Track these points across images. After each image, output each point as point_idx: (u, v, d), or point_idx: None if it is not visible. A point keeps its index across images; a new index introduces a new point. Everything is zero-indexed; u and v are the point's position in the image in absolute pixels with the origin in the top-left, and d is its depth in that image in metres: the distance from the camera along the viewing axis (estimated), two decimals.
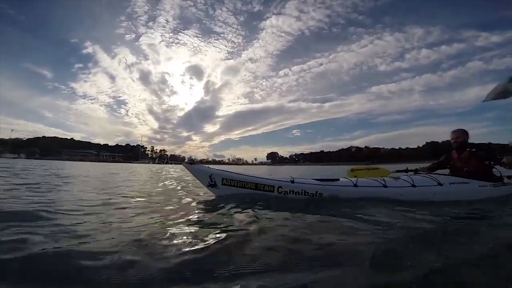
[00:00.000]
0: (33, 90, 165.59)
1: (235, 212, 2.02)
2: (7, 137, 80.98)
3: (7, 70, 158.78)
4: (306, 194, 2.53)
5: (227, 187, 2.67)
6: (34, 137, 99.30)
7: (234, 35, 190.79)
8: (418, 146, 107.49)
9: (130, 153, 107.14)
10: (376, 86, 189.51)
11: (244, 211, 2.04)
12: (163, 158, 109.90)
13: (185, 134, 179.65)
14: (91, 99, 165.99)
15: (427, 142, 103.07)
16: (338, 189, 2.65)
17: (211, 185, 2.73)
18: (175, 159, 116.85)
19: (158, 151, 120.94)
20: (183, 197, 2.92)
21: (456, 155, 3.20)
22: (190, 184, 4.48)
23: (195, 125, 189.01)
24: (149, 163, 73.46)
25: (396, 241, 1.35)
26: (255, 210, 2.07)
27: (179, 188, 3.96)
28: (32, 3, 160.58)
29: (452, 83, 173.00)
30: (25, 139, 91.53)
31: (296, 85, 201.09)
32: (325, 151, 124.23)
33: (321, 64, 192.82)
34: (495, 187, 2.91)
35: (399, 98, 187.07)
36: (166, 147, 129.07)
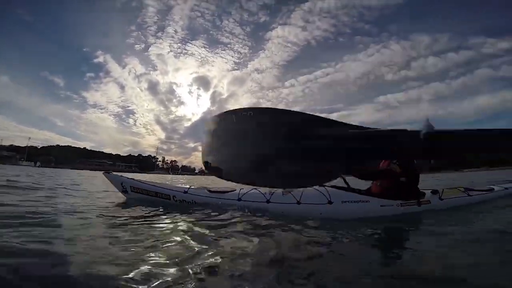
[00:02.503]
0: (46, 98, 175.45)
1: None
2: (21, 145, 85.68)
3: (25, 76, 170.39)
4: (195, 203, 2.89)
5: (135, 194, 3.13)
6: (49, 146, 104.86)
7: (241, 45, 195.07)
8: None
9: (142, 163, 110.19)
10: (383, 96, 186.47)
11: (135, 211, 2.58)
12: (175, 169, 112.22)
13: (191, 145, 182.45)
14: (101, 109, 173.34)
15: None
16: (222, 201, 2.86)
17: (123, 191, 3.20)
18: (186, 170, 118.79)
19: (168, 162, 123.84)
20: None
21: (383, 164, 2.99)
22: None
23: (201, 135, 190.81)
24: (169, 173, 75.95)
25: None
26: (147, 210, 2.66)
27: None
28: (47, 10, 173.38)
29: (461, 91, 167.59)
30: (39, 147, 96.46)
31: (303, 95, 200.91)
32: None
33: (327, 74, 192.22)
34: (402, 207, 2.68)
35: (407, 108, 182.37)
36: (172, 158, 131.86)
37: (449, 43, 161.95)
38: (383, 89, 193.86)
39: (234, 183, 3.09)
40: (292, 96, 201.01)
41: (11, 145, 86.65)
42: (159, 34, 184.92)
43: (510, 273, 1.18)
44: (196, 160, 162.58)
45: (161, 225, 2.06)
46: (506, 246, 1.64)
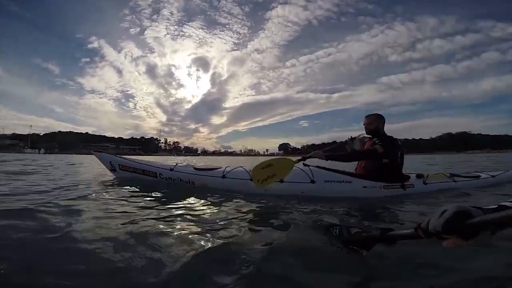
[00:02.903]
0: (42, 86, 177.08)
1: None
2: (23, 133, 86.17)
3: (16, 66, 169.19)
4: (181, 181, 2.88)
5: (123, 172, 3.13)
6: (51, 132, 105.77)
7: (240, 26, 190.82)
8: (431, 137, 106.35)
9: (145, 145, 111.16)
10: (387, 77, 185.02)
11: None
12: (178, 150, 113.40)
13: (193, 126, 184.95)
14: (100, 94, 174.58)
15: (443, 133, 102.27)
16: (207, 179, 2.83)
17: (112, 169, 3.21)
18: (189, 151, 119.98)
19: (171, 143, 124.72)
20: None
21: (367, 145, 2.86)
22: None
23: (202, 117, 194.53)
24: (173, 155, 77.17)
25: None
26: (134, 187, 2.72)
27: None
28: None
29: (466, 74, 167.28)
30: (42, 134, 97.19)
31: (304, 75, 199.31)
32: (337, 141, 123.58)
33: (329, 54, 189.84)
34: (384, 189, 2.63)
35: (411, 89, 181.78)
36: (175, 139, 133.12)
37: (456, 25, 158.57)
38: (386, 70, 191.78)
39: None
40: (293, 76, 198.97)
41: (13, 134, 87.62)
42: (154, 17, 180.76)
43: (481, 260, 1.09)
44: (198, 141, 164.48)
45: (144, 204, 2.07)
46: None
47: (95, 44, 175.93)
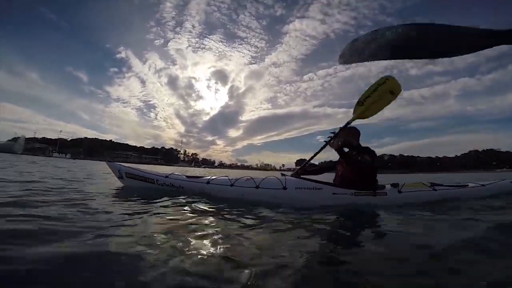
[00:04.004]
0: (71, 93, 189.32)
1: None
2: (51, 137, 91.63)
3: (51, 73, 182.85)
4: (173, 186, 3.31)
5: (129, 179, 3.59)
6: (77, 138, 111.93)
7: (257, 39, 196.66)
8: (456, 155, 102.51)
9: (166, 156, 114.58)
10: (407, 91, 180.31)
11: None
12: (197, 161, 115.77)
13: (209, 138, 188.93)
14: (124, 103, 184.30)
15: (469, 151, 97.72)
16: (194, 185, 3.23)
17: (120, 177, 3.68)
18: (207, 163, 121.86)
19: (190, 155, 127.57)
20: None
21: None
22: None
23: (219, 129, 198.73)
24: (192, 166, 79.64)
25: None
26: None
27: None
28: (70, 9, 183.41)
29: (492, 87, 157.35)
30: (69, 139, 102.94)
31: (322, 89, 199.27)
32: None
33: (348, 68, 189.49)
34: (355, 196, 2.78)
35: (433, 104, 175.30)
36: (192, 151, 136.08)
37: None
38: (406, 84, 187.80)
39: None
40: (311, 90, 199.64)
41: (43, 138, 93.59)
42: (177, 29, 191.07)
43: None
44: (213, 153, 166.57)
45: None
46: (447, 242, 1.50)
47: (123, 54, 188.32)
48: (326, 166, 3.44)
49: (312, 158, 3.16)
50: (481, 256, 1.28)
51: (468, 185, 3.34)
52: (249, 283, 0.96)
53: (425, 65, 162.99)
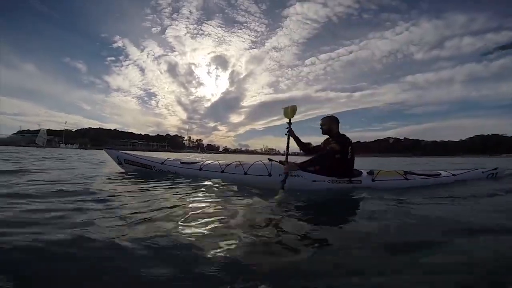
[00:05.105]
0: (70, 84, 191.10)
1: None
2: (55, 129, 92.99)
3: (48, 65, 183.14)
4: (169, 172, 3.65)
5: (127, 165, 3.94)
6: (82, 128, 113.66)
7: (257, 24, 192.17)
8: (461, 139, 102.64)
9: (171, 142, 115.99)
10: (412, 75, 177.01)
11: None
12: (202, 147, 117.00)
13: (211, 124, 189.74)
14: (124, 92, 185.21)
15: (474, 135, 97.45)
16: (188, 171, 3.53)
17: (119, 163, 4.03)
18: (211, 148, 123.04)
19: (194, 141, 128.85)
20: None
21: (324, 142, 3.31)
22: None
23: (221, 115, 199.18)
24: (198, 152, 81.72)
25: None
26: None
27: None
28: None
29: (499, 73, 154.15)
30: (74, 130, 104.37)
31: (324, 73, 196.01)
32: (361, 141, 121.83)
33: (351, 52, 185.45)
34: (332, 183, 2.99)
35: (437, 88, 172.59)
36: (194, 137, 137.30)
37: (488, 22, 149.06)
38: (411, 69, 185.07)
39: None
40: (313, 74, 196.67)
41: (48, 129, 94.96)
42: (174, 15, 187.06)
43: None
44: (216, 139, 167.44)
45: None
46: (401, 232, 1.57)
47: (119, 43, 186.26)
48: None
49: (287, 152, 3.39)
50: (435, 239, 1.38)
51: (440, 173, 3.51)
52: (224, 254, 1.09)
53: (431, 49, 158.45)
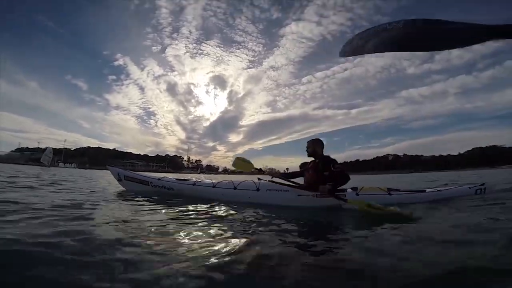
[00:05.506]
0: (71, 102, 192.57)
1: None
2: (53, 147, 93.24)
3: (49, 82, 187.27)
4: (165, 187, 3.91)
5: (127, 182, 4.21)
6: (81, 147, 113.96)
7: (255, 43, 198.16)
8: (459, 153, 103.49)
9: (171, 163, 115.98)
10: (406, 90, 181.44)
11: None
12: (202, 168, 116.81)
13: (210, 144, 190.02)
14: (124, 110, 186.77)
15: (473, 148, 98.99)
16: (182, 186, 3.83)
17: (119, 179, 4.30)
18: (211, 169, 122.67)
19: (194, 161, 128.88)
20: None
21: (309, 165, 3.60)
22: None
23: (219, 135, 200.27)
24: (198, 172, 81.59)
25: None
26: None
27: None
28: (66, 15, 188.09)
29: (489, 84, 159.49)
30: (73, 149, 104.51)
31: (320, 91, 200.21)
32: (360, 160, 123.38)
33: (345, 69, 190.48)
34: (317, 198, 3.16)
35: (432, 102, 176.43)
36: (193, 157, 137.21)
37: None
38: (405, 84, 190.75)
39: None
40: (310, 92, 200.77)
41: (47, 148, 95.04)
42: (174, 35, 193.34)
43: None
44: (215, 159, 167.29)
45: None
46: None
47: (121, 62, 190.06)
48: (296, 174, 3.80)
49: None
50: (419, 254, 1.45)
51: (425, 190, 3.62)
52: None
53: (423, 63, 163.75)
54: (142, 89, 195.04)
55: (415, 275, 1.16)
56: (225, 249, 1.39)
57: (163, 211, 2.64)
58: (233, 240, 1.57)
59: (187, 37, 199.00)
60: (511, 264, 1.27)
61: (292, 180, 3.51)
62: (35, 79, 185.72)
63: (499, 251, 1.41)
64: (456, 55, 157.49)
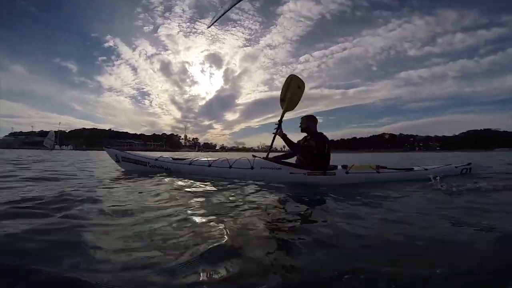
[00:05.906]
0: (62, 85, 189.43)
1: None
2: (49, 130, 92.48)
3: (37, 66, 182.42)
4: (162, 167, 3.92)
5: (124, 162, 4.20)
6: (76, 129, 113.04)
7: (251, 21, 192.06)
8: (455, 134, 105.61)
9: (168, 142, 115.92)
10: (405, 72, 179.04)
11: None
12: (199, 146, 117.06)
13: (206, 122, 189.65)
14: (117, 92, 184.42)
15: (468, 131, 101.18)
16: (180, 166, 3.87)
17: (117, 161, 4.28)
18: (208, 147, 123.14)
19: (191, 139, 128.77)
20: None
21: (302, 141, 3.60)
22: None
23: (216, 113, 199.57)
24: (196, 150, 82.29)
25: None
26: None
27: None
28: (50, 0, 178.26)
29: (490, 69, 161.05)
30: (67, 131, 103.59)
31: (318, 71, 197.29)
32: (357, 137, 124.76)
33: (344, 49, 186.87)
34: (308, 175, 3.29)
35: (431, 84, 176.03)
36: (190, 136, 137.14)
37: (478, 19, 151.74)
38: (404, 65, 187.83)
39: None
40: (307, 71, 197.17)
41: (41, 131, 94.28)
42: (167, 14, 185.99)
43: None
44: (212, 137, 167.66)
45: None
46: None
47: (111, 43, 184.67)
48: (289, 153, 3.88)
49: (271, 148, 3.85)
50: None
51: (413, 168, 3.74)
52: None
53: (424, 46, 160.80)
54: (134, 69, 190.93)
55: (392, 250, 1.18)
56: (213, 230, 1.36)
57: (157, 190, 2.61)
58: (221, 220, 1.54)
59: (180, 16, 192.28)
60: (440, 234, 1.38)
61: (285, 160, 3.65)
62: (21, 63, 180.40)
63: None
64: (459, 39, 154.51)
